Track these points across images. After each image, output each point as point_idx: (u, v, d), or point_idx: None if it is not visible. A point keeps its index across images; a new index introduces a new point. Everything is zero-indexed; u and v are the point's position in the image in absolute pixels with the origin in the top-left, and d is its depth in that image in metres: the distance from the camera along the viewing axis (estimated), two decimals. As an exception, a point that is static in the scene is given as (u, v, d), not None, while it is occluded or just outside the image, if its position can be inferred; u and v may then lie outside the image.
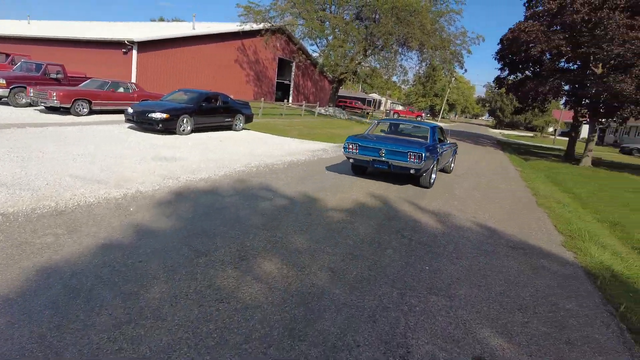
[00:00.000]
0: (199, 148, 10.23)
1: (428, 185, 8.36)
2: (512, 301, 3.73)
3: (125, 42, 20.09)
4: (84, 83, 14.71)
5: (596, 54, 16.86)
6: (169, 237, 4.24)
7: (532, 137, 48.12)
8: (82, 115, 13.30)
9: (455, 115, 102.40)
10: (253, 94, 31.21)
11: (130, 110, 11.88)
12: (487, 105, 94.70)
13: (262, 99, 21.95)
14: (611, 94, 15.85)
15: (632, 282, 4.60)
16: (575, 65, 20.25)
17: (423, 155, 7.46)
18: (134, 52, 20.37)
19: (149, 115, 11.38)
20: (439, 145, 8.84)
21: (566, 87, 20.75)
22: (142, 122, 11.64)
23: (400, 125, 10.72)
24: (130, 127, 12.19)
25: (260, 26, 27.72)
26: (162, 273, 3.43)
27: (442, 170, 10.66)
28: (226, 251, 4.03)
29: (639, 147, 31.28)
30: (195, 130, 12.91)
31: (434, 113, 75.40)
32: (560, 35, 17.20)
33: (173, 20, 67.04)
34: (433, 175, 8.57)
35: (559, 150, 28.80)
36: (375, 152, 7.93)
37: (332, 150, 13.36)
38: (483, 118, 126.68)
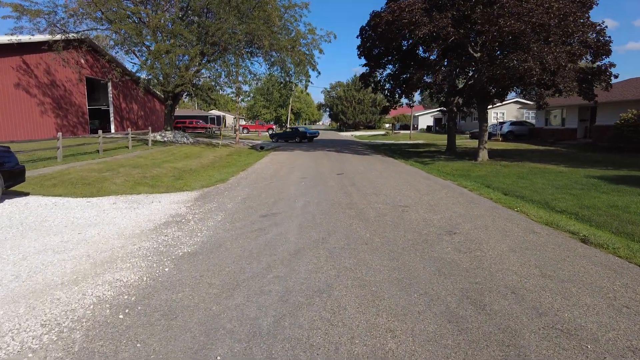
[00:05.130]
0: None
1: (312, 141, 34.45)
2: None
3: None
4: None
5: (482, 33, 14.60)
6: None
7: (384, 135, 48.58)
8: None
9: (299, 123, 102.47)
10: (56, 127, 22.20)
11: None
12: (327, 110, 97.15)
13: (60, 133, 13.95)
14: (516, 77, 13.59)
15: None
16: (431, 55, 17.91)
17: (318, 132, 39.05)
18: None
19: None
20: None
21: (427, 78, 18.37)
22: None
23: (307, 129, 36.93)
24: None
25: (47, 36, 19.14)
26: None
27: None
28: None
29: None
30: None
31: (280, 124, 72.61)
32: (447, 14, 14.39)
33: None
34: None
35: (433, 145, 27.67)
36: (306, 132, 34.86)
37: (194, 214, 6.99)
38: (321, 123, 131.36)
